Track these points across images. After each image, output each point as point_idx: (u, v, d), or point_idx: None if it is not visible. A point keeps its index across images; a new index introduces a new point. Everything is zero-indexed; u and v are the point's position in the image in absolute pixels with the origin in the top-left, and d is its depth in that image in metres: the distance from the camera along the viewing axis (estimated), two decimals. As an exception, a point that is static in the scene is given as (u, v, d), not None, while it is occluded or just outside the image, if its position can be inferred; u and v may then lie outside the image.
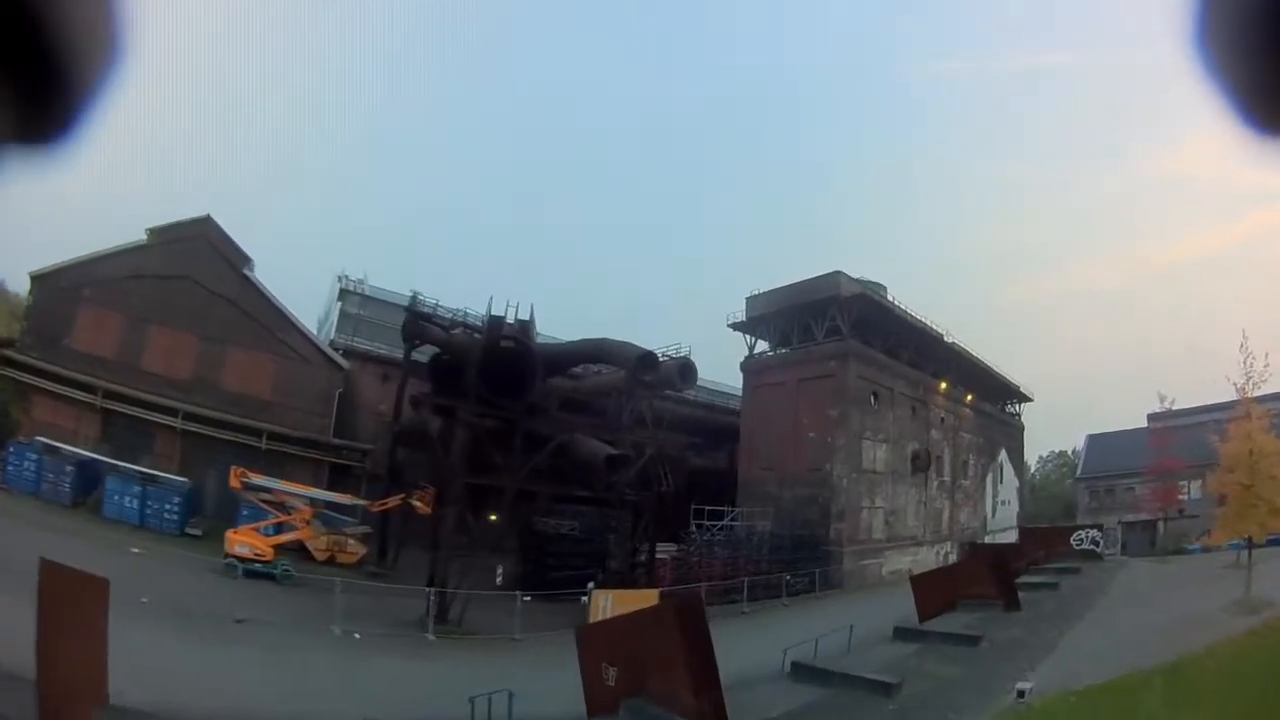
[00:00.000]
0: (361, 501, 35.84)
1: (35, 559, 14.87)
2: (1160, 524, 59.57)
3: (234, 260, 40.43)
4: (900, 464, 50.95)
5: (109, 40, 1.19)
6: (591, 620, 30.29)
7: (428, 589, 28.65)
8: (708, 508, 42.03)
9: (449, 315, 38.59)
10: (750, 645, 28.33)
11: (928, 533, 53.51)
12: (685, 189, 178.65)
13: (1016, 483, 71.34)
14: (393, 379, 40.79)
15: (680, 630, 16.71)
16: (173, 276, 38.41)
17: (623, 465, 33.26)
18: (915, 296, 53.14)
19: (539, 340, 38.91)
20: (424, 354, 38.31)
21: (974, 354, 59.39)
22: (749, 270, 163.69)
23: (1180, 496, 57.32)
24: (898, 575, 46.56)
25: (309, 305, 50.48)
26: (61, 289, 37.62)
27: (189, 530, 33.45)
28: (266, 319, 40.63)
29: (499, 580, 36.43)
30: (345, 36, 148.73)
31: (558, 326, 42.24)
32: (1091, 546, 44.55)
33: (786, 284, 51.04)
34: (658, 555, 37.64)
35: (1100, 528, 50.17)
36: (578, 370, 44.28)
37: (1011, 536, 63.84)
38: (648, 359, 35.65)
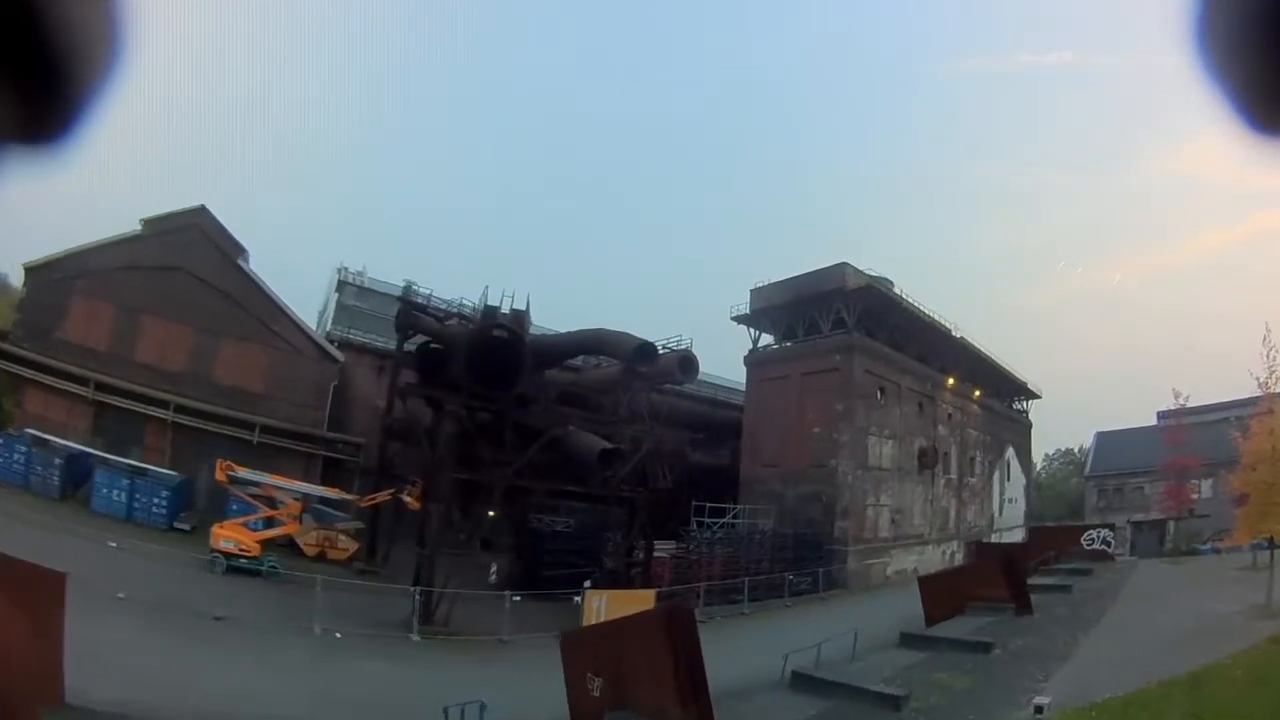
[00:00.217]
0: (350, 496, 34.53)
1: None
2: (1170, 524, 57.98)
3: (228, 251, 39.02)
4: (907, 461, 49.12)
5: (109, 40, 1.14)
6: (585, 622, 29.03)
7: (413, 588, 27.15)
8: (709, 505, 40.18)
9: (444, 306, 36.96)
10: (749, 649, 27.55)
11: (934, 531, 51.73)
12: (689, 184, 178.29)
13: (1024, 480, 69.82)
14: (389, 371, 39.30)
15: (668, 639, 15.55)
16: (166, 267, 37.19)
17: (618, 460, 31.46)
18: (921, 295, 51.67)
19: (536, 332, 37.61)
20: (417, 345, 36.89)
21: (982, 349, 57.58)
22: (753, 265, 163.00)
23: (1194, 496, 55.73)
24: (903, 575, 45.52)
25: (312, 299, 49.48)
26: (55, 280, 36.36)
27: (178, 525, 32.30)
28: (260, 310, 39.22)
29: (493, 578, 35.13)
30: (349, 33, 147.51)
31: (559, 321, 40.83)
32: (1102, 547, 43.08)
33: (791, 276, 49.31)
34: (657, 554, 35.90)
35: (1112, 527, 48.56)
36: (578, 363, 42.81)
37: (1018, 535, 63.24)
38: (645, 349, 33.94)
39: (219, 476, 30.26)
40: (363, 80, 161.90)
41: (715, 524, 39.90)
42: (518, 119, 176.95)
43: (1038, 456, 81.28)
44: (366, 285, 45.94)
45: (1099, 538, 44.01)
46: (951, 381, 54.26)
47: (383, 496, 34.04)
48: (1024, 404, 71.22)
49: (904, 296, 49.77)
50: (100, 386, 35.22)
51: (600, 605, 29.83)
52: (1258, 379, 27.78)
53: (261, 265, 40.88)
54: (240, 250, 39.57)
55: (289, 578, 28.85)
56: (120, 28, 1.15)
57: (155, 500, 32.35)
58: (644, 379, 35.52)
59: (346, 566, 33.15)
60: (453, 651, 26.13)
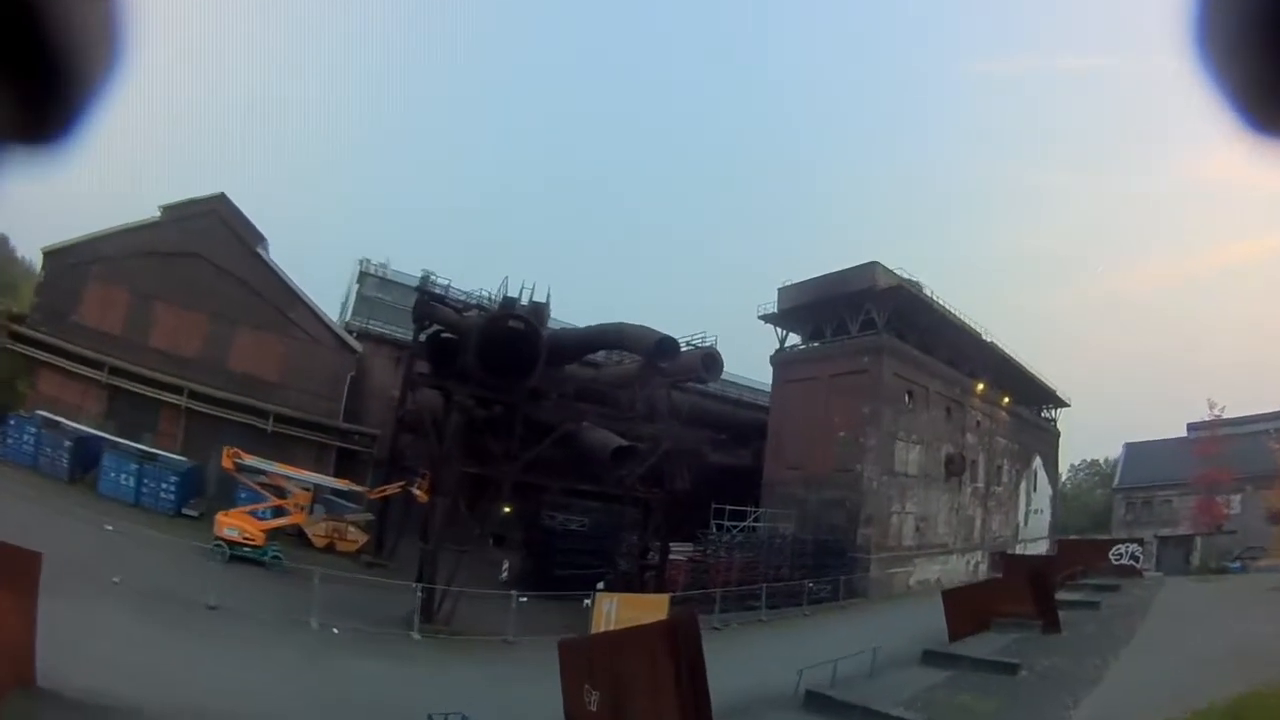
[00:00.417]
0: (359, 488, 33.29)
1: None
2: (1197, 539, 55.56)
3: (247, 238, 38.19)
4: (933, 467, 46.87)
5: (109, 40, 1.13)
6: (595, 626, 27.60)
7: (414, 585, 25.73)
8: (729, 507, 38.23)
9: (463, 297, 35.53)
10: (764, 660, 26.43)
11: (958, 541, 49.49)
12: (713, 184, 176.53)
13: (1050, 491, 67.30)
14: (404, 362, 38.08)
15: (670, 655, 13.86)
16: (183, 254, 36.49)
17: (632, 458, 29.71)
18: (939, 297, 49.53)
19: (558, 327, 36.20)
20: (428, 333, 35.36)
21: (1011, 354, 55.30)
22: (774, 265, 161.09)
23: (1227, 511, 53.43)
24: (925, 585, 43.64)
25: (335, 292, 48.38)
26: (72, 265, 35.91)
27: (186, 511, 31.50)
28: (278, 299, 38.26)
29: (504, 576, 33.87)
30: (349, 32, 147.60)
31: (584, 318, 39.16)
32: (1131, 562, 40.97)
33: (820, 275, 47.38)
34: (673, 556, 34.20)
35: (1141, 542, 46.37)
36: (599, 359, 41.30)
37: (1043, 547, 61.08)
38: (666, 344, 32.22)
39: (225, 464, 29.25)
40: (365, 81, 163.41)
41: (735, 527, 38.04)
42: (528, 119, 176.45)
43: (1063, 467, 78.72)
44: (389, 277, 44.64)
45: (1127, 553, 41.94)
46: (981, 387, 52.04)
47: (392, 489, 32.82)
48: (1053, 412, 68.65)
49: (934, 298, 47.55)
50: (114, 371, 34.76)
51: (611, 609, 28.31)
52: None
53: (288, 258, 40.06)
54: (259, 238, 38.81)
55: (293, 569, 27.64)
56: (120, 28, 1.12)
57: (163, 485, 31.62)
58: (665, 375, 33.91)
59: (355, 559, 32.38)
60: (453, 652, 24.76)
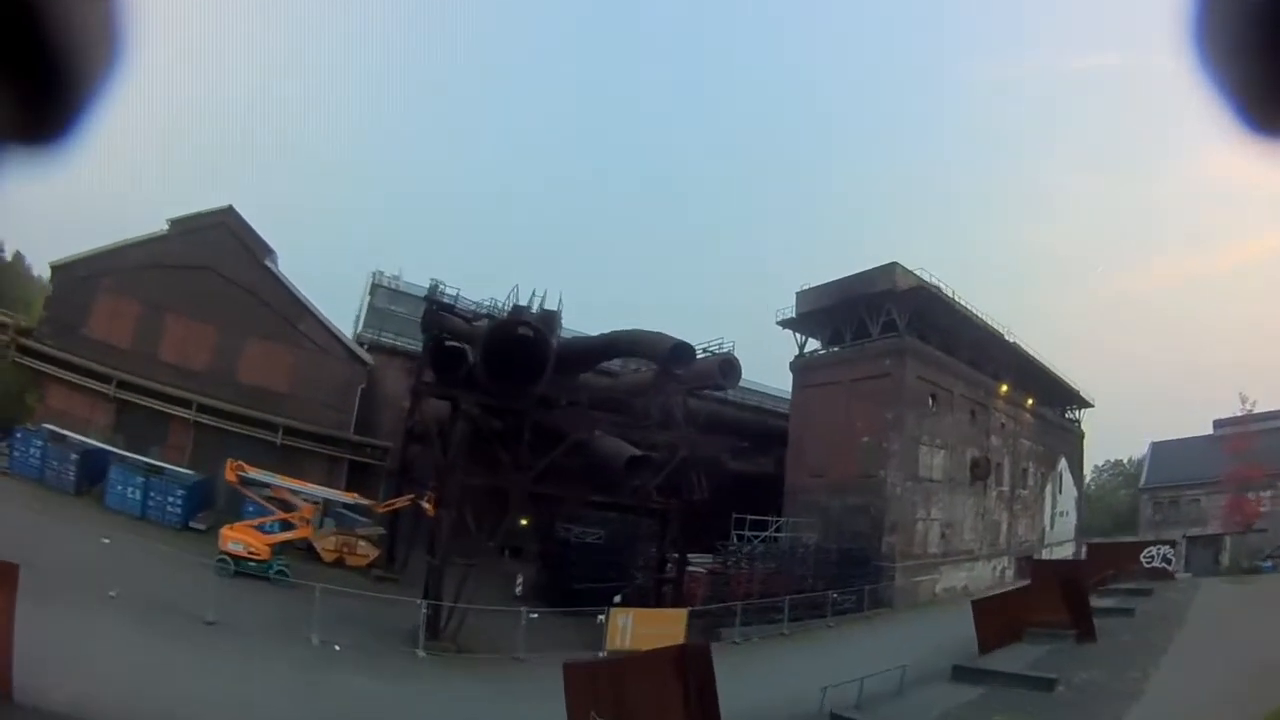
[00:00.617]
0: (366, 501, 32.07)
1: None
2: (1226, 539, 53.31)
3: (255, 250, 37.29)
4: (958, 472, 44.97)
5: (111, 38, 1.13)
6: (609, 643, 26.17)
7: (420, 601, 24.42)
8: (750, 517, 36.59)
9: (473, 306, 34.18)
10: (786, 677, 25.26)
11: (984, 546, 47.49)
12: (731, 191, 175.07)
13: (1075, 493, 65.11)
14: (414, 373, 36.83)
15: (680, 682, 12.94)
16: (192, 266, 35.59)
17: (647, 468, 28.18)
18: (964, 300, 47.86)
19: (572, 336, 34.82)
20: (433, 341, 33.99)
21: (1034, 354, 53.36)
22: (790, 270, 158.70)
23: (1259, 508, 51.21)
24: (952, 593, 41.93)
25: (349, 303, 47.28)
26: (80, 279, 35.22)
27: (193, 525, 30.68)
28: (286, 310, 37.29)
29: (519, 590, 32.46)
30: (349, 33, 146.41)
31: (599, 328, 37.66)
32: (1163, 564, 38.98)
33: (839, 278, 45.71)
34: (692, 568, 32.60)
35: (1173, 544, 44.34)
36: (615, 368, 39.85)
37: (1069, 550, 59.10)
38: (681, 350, 30.64)
39: (229, 476, 28.39)
40: (365, 84, 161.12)
41: (756, 537, 36.33)
42: (537, 124, 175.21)
43: (1086, 468, 76.35)
44: (401, 289, 43.43)
45: (1159, 555, 39.95)
46: (1004, 388, 50.14)
47: (401, 502, 31.69)
48: (1076, 412, 66.45)
49: (956, 298, 45.72)
50: (122, 384, 33.98)
51: (626, 624, 26.87)
52: None
53: (300, 269, 39.08)
54: (267, 250, 37.90)
55: (299, 584, 26.25)
56: (120, 28, 1.11)
57: (170, 499, 30.76)
58: (681, 382, 32.38)
59: (365, 573, 31.19)
60: (459, 670, 23.61)
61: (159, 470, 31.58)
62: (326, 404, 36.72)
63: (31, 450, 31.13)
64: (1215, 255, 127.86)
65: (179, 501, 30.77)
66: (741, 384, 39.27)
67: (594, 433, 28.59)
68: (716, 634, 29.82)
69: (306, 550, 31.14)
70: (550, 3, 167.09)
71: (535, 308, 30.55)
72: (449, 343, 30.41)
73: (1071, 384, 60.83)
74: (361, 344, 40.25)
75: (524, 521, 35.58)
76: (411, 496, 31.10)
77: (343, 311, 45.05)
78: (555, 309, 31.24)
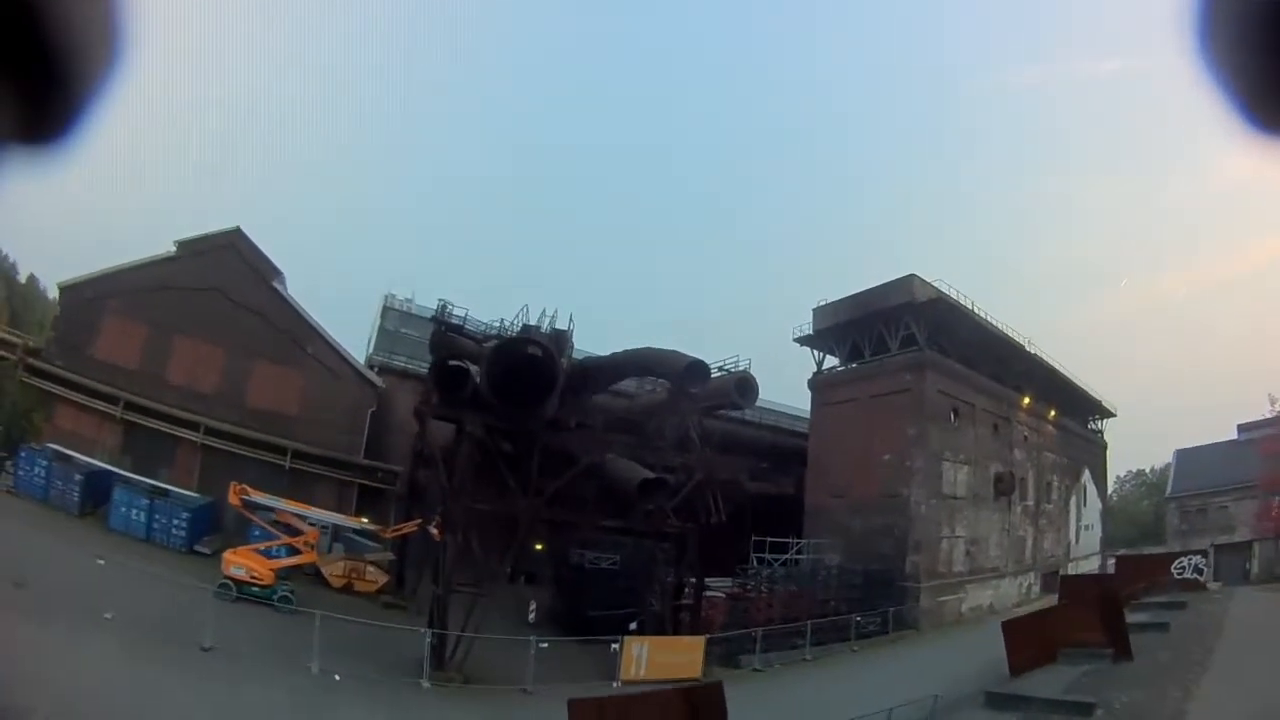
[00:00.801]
0: (373, 526, 30.91)
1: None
2: (1255, 545, 51.19)
3: (263, 272, 36.43)
4: (982, 487, 43.05)
5: (111, 38, 1.13)
6: (623, 673, 24.74)
7: (423, 630, 23.04)
8: (770, 539, 34.92)
9: (482, 327, 32.84)
10: (809, 708, 24.66)
11: (1010, 563, 45.49)
12: (745, 208, 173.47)
13: (1100, 505, 62.90)
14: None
15: None
16: (200, 288, 34.68)
17: (661, 491, 26.57)
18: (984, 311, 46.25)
19: (584, 357, 33.45)
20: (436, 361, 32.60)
21: (1056, 365, 51.42)
22: (808, 292, 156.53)
23: (1295, 513, 49.15)
24: (978, 612, 40.27)
25: (360, 327, 46.16)
26: (88, 299, 34.43)
27: (198, 548, 29.70)
28: (295, 333, 36.26)
29: (532, 617, 30.97)
30: (350, 33, 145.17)
31: (611, 349, 36.22)
32: (1194, 575, 37.21)
33: (855, 292, 44.15)
34: (710, 593, 31.02)
35: (1204, 553, 42.51)
36: (631, 389, 38.42)
37: (1094, 564, 56.96)
38: (696, 369, 29.16)
39: (232, 500, 27.35)
40: (374, 85, 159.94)
41: (776, 560, 34.64)
42: (552, 133, 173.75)
43: (1109, 479, 74.07)
44: (413, 312, 42.11)
45: (1190, 565, 38.21)
46: (1027, 400, 48.26)
47: (408, 527, 30.49)
48: (1098, 423, 64.32)
49: (976, 309, 44.02)
50: (129, 406, 33.08)
51: (641, 653, 25.38)
52: None
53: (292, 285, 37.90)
54: (275, 272, 37.13)
55: (304, 610, 24.88)
56: (120, 28, 1.11)
57: (175, 521, 29.89)
58: (696, 402, 30.91)
59: (374, 599, 29.94)
60: (463, 702, 22.22)
61: (164, 492, 30.79)
62: (336, 427, 35.56)
63: (36, 470, 30.42)
64: (1230, 258, 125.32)
65: (183, 524, 29.88)
66: (759, 403, 37.86)
67: (606, 455, 27.08)
68: (736, 661, 28.34)
69: (314, 576, 29.99)
70: (563, 10, 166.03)
71: (545, 327, 29.30)
72: (453, 362, 28.91)
73: (1093, 394, 58.80)
74: (372, 367, 39.13)
75: (539, 546, 34.20)
76: (419, 521, 29.85)
77: (356, 334, 44.15)
78: (566, 328, 29.98)
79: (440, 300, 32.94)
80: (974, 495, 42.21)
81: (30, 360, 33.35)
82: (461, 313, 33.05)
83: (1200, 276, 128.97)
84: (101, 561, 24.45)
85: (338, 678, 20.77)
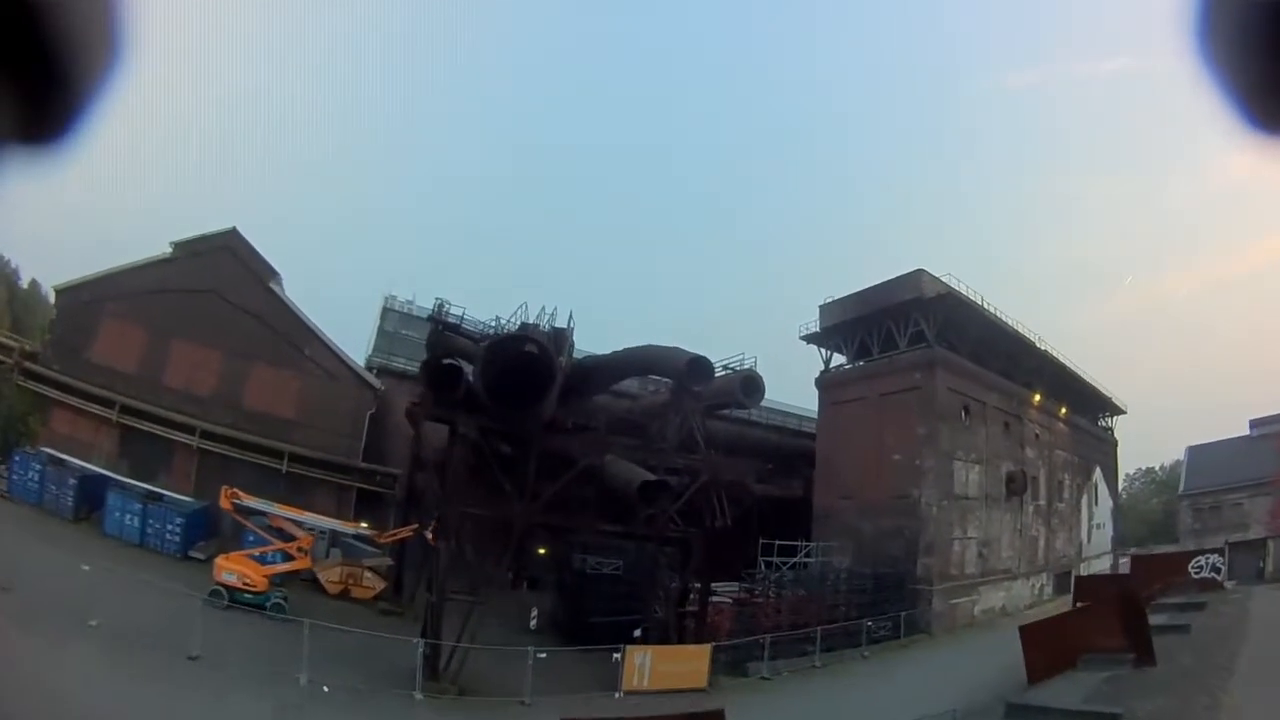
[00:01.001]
0: (368, 531, 29.60)
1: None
2: (1270, 543, 49.51)
3: (260, 273, 35.29)
4: (994, 487, 41.32)
5: (110, 40, 1.11)
6: (624, 684, 23.35)
7: (416, 640, 21.69)
8: (778, 542, 33.18)
9: (479, 326, 31.45)
10: (819, 718, 23.52)
11: (1022, 564, 43.75)
12: (744, 207, 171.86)
13: (1111, 504, 61.06)
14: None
15: None
16: (197, 290, 33.67)
17: (663, 494, 25.13)
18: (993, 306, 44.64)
19: (584, 356, 32.04)
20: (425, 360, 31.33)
21: (1066, 361, 49.79)
22: (812, 293, 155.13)
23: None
24: (990, 614, 38.71)
25: (361, 329, 44.95)
26: (85, 303, 33.58)
27: (193, 553, 28.83)
28: (292, 335, 35.12)
29: (533, 624, 29.57)
30: (348, 33, 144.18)
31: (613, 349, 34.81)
32: (1211, 574, 35.59)
33: (862, 289, 42.60)
34: (717, 599, 29.53)
35: (1222, 552, 40.94)
36: (633, 390, 37.00)
37: (1106, 563, 55.30)
38: (699, 366, 27.74)
39: (223, 504, 26.38)
40: (375, 86, 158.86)
41: (784, 563, 33.08)
42: (554, 132, 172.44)
43: (1119, 477, 72.20)
44: (413, 313, 40.86)
45: (1208, 564, 36.59)
46: (1038, 398, 46.59)
47: (404, 532, 29.24)
48: (1109, 420, 62.48)
49: (986, 304, 42.44)
50: (126, 409, 32.14)
51: (644, 663, 23.97)
52: None
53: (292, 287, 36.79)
54: (272, 273, 35.98)
55: (298, 617, 23.90)
56: (120, 28, 1.09)
57: (169, 527, 29.10)
58: (700, 401, 29.46)
59: (371, 606, 28.81)
60: (457, 715, 21.06)
61: (158, 497, 29.94)
62: (335, 431, 34.37)
63: (30, 474, 29.81)
64: (1230, 258, 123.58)
65: (177, 529, 29.06)
66: (765, 403, 36.47)
67: (605, 457, 25.61)
68: (743, 669, 26.87)
69: (311, 582, 28.95)
70: (563, 10, 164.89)
71: (544, 326, 27.95)
72: (448, 361, 27.49)
73: (1104, 390, 57.02)
74: (371, 369, 38.00)
75: (541, 551, 32.86)
76: (415, 526, 28.54)
77: (358, 336, 42.98)
78: (566, 327, 28.63)
79: (437, 299, 31.65)
80: (986, 495, 40.55)
81: (26, 364, 32.63)
82: (459, 311, 31.74)
83: (1201, 276, 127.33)
84: (86, 567, 23.10)
85: (326, 689, 19.62)
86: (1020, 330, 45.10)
